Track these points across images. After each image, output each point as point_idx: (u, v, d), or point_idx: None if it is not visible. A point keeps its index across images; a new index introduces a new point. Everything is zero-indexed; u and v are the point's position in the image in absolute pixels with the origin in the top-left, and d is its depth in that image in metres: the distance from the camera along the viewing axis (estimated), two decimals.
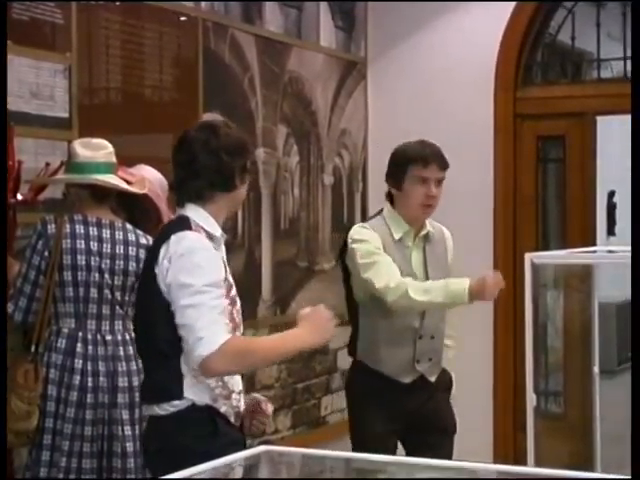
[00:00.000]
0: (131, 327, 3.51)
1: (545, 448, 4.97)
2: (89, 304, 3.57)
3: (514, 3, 5.61)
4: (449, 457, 3.72)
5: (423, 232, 3.73)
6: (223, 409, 2.79)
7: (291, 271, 5.37)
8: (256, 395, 3.06)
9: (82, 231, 3.59)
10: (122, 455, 3.54)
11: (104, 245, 3.60)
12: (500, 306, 5.66)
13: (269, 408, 2.99)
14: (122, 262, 3.61)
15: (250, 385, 5.04)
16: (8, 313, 3.53)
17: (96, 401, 3.53)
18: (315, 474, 2.32)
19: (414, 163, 3.64)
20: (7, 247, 3.53)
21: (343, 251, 3.76)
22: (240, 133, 2.91)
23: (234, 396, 2.83)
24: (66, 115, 4.00)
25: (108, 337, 3.57)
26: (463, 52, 5.72)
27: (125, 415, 3.55)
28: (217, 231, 2.83)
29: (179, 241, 2.71)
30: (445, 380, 3.85)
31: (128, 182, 3.66)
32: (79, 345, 3.54)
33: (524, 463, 4.61)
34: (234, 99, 4.96)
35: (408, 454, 3.68)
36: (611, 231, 9.84)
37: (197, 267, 2.69)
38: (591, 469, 4.79)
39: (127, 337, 3.60)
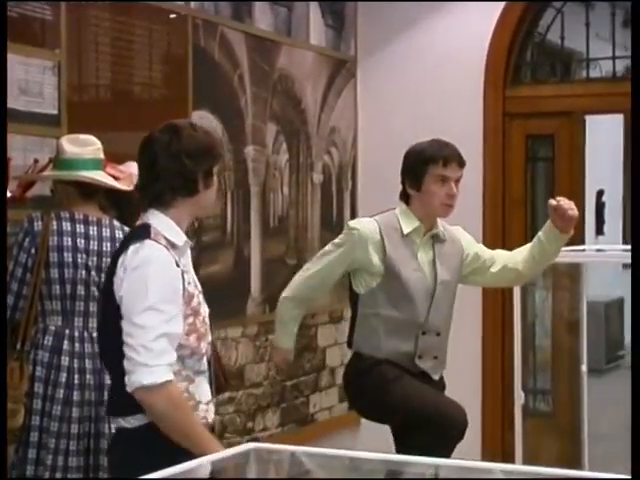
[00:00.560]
0: None
1: (533, 446, 4.99)
2: (76, 301, 3.56)
3: (504, 3, 5.62)
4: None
5: (433, 231, 3.71)
6: None
7: (280, 269, 5.37)
8: None
9: (69, 228, 3.58)
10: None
11: (91, 242, 3.59)
12: (489, 305, 5.67)
13: None
14: (109, 259, 3.60)
15: (239, 383, 5.04)
16: None
17: (82, 399, 3.52)
18: (304, 472, 2.32)
19: (434, 163, 3.61)
20: None
21: None
22: (207, 136, 2.79)
23: (201, 407, 2.77)
24: (55, 112, 3.99)
25: (95, 334, 3.56)
26: (452, 51, 5.72)
27: None
28: (180, 239, 2.73)
29: (136, 252, 2.64)
30: (441, 378, 3.83)
31: (116, 179, 3.65)
32: (66, 342, 3.54)
33: (512, 461, 4.63)
34: (224, 97, 4.95)
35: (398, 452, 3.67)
36: (600, 230, 9.86)
37: (151, 281, 2.60)
38: (578, 467, 4.81)
39: None
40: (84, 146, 3.61)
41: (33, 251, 3.53)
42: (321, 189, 5.71)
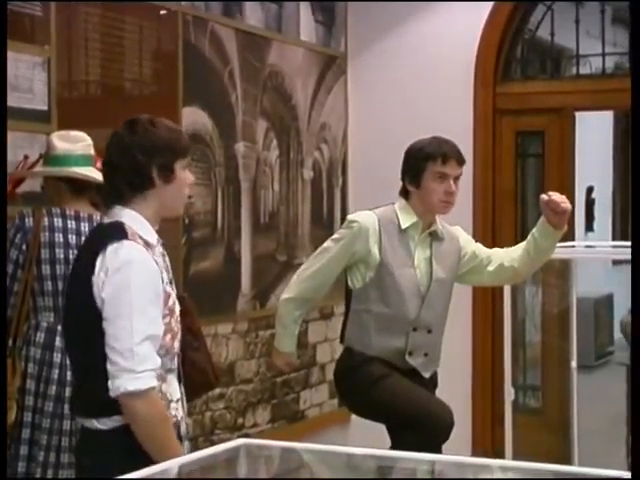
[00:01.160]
0: None
1: (523, 442, 5.00)
2: None
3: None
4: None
5: (432, 228, 3.71)
6: None
7: (270, 265, 5.37)
8: None
9: (60, 224, 3.57)
10: None
11: (82, 238, 3.58)
12: (479, 302, 5.68)
13: None
14: None
15: (230, 379, 5.05)
16: None
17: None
18: (294, 467, 2.32)
19: (433, 160, 3.62)
20: None
21: None
22: (166, 131, 2.72)
23: (172, 405, 2.74)
24: (45, 108, 3.98)
25: None
26: (443, 47, 5.73)
27: None
28: (153, 237, 2.70)
29: (116, 252, 2.60)
30: (434, 376, 3.83)
31: None
32: (58, 339, 3.53)
33: (502, 457, 4.64)
34: (214, 93, 4.95)
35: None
36: (589, 227, 9.88)
37: (134, 283, 2.58)
38: (568, 462, 4.82)
39: None
40: (75, 142, 3.61)
41: (24, 247, 3.53)
42: (311, 185, 5.72)
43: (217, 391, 4.86)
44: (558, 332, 5.65)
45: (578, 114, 5.83)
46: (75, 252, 3.54)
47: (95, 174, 3.61)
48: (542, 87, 5.77)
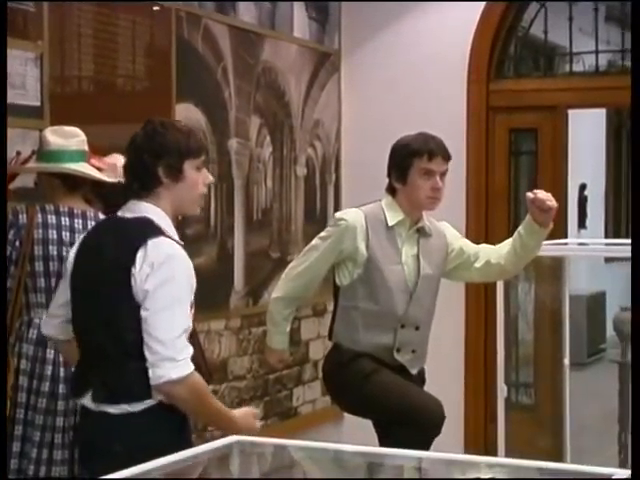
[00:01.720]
0: None
1: (515, 439, 5.01)
2: None
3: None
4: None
5: (419, 225, 3.70)
6: None
7: (263, 262, 5.37)
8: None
9: (54, 221, 3.57)
10: None
11: (76, 235, 3.56)
12: (471, 299, 5.69)
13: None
14: None
15: (223, 376, 5.05)
16: None
17: (68, 392, 3.51)
18: (287, 464, 2.33)
19: (419, 156, 3.62)
20: None
21: None
22: (176, 133, 2.86)
23: None
24: (38, 104, 3.98)
25: None
26: (436, 44, 5.73)
27: None
28: (176, 235, 2.86)
29: (158, 247, 2.74)
30: (421, 372, 3.84)
31: (101, 170, 3.64)
32: None
33: (495, 454, 4.64)
34: (207, 89, 4.94)
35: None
36: (582, 224, 9.90)
37: (178, 277, 2.75)
38: (560, 459, 4.83)
39: None
40: (69, 138, 3.59)
41: (18, 244, 3.51)
42: (305, 182, 5.72)
43: (210, 388, 4.84)
44: (550, 329, 5.66)
45: (571, 112, 5.84)
46: (68, 249, 3.53)
47: (89, 170, 3.60)
48: (535, 85, 5.77)
